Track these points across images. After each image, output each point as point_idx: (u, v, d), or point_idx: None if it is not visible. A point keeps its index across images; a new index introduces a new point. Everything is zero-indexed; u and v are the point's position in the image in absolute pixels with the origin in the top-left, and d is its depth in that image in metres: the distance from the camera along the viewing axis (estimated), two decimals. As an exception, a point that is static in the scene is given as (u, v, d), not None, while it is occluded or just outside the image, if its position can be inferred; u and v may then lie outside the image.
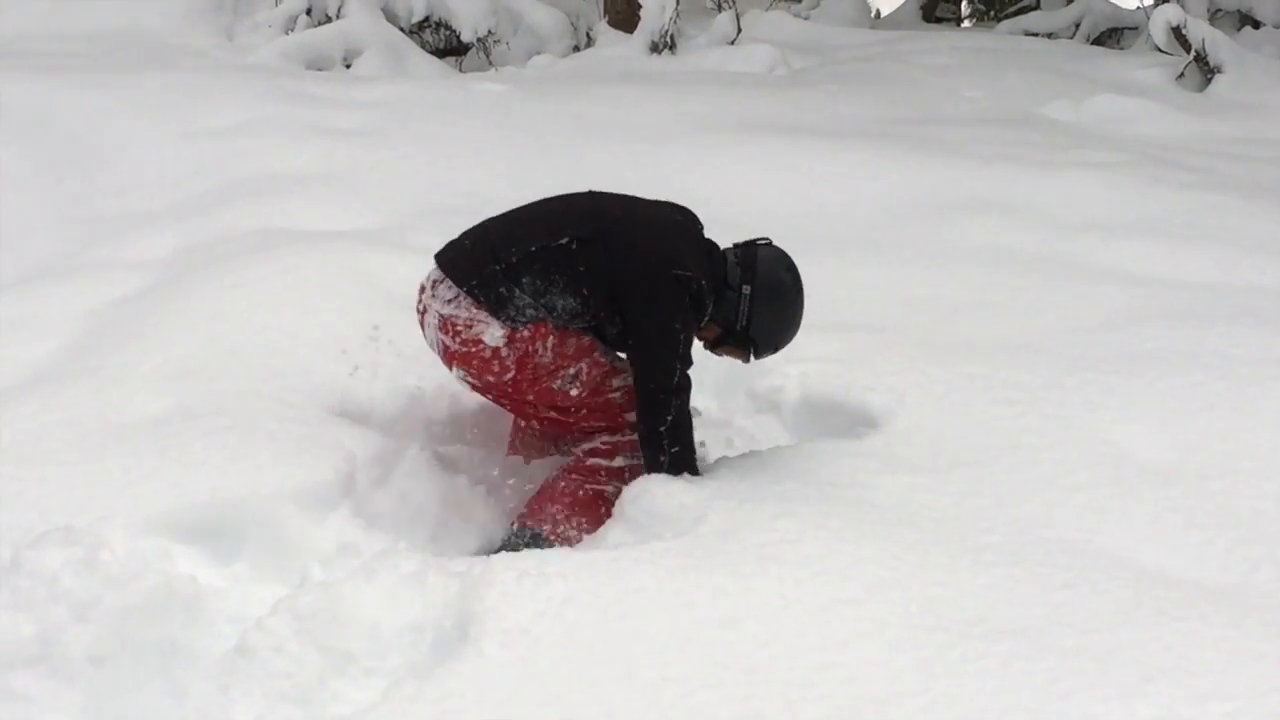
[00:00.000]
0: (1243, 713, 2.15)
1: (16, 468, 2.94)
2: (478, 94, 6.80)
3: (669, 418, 2.90)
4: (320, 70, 7.50)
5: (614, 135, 4.59)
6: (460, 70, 7.96)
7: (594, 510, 3.02)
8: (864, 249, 4.53)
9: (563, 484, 3.07)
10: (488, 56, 8.28)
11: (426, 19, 8.06)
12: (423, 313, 3.06)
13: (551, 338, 2.93)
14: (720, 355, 3.21)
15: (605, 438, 3.10)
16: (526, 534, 2.99)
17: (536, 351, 2.92)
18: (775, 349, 3.12)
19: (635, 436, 3.01)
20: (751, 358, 3.15)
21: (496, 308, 2.90)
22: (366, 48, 7.64)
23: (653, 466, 2.93)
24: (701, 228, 3.14)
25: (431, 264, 3.06)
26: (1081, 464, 3.02)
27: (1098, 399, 3.32)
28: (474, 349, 2.93)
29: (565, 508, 3.01)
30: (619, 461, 3.08)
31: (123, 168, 5.48)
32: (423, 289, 3.06)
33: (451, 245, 3.08)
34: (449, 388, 3.35)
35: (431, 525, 3.02)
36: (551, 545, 2.92)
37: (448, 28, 8.12)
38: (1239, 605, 2.48)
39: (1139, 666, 2.26)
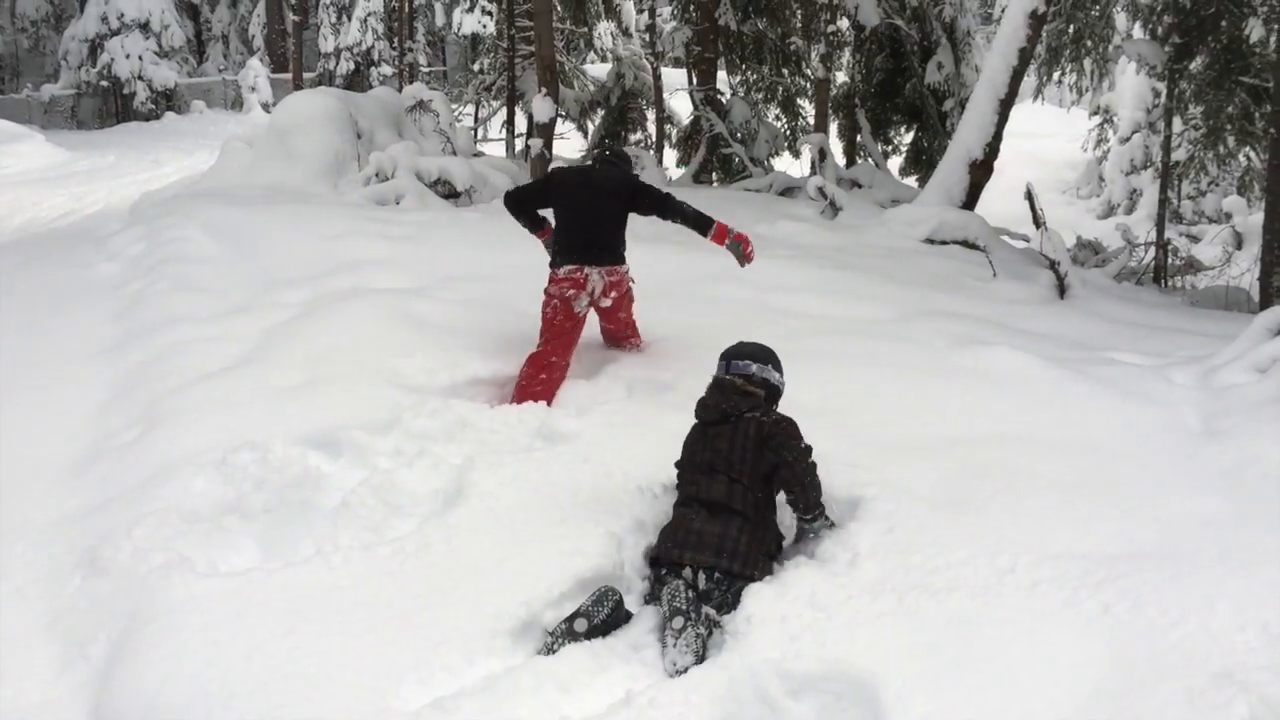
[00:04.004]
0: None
1: (223, 411, 5.17)
2: (465, 218, 11.09)
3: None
4: (382, 205, 11.99)
5: (531, 238, 6.64)
6: (456, 206, 12.61)
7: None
8: (673, 301, 7.05)
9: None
10: (470, 199, 12.89)
11: (438, 179, 12.87)
12: (585, 279, 5.73)
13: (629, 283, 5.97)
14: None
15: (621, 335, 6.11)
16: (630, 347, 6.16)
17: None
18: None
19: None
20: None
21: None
22: (407, 194, 12.25)
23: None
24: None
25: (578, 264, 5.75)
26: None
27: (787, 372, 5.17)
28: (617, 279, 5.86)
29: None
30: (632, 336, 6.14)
31: (279, 255, 8.71)
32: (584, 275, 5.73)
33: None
34: (452, 373, 5.73)
35: (442, 439, 4.96)
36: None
37: (449, 183, 12.91)
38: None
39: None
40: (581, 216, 5.93)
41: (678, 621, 3.41)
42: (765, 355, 4.42)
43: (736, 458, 4.02)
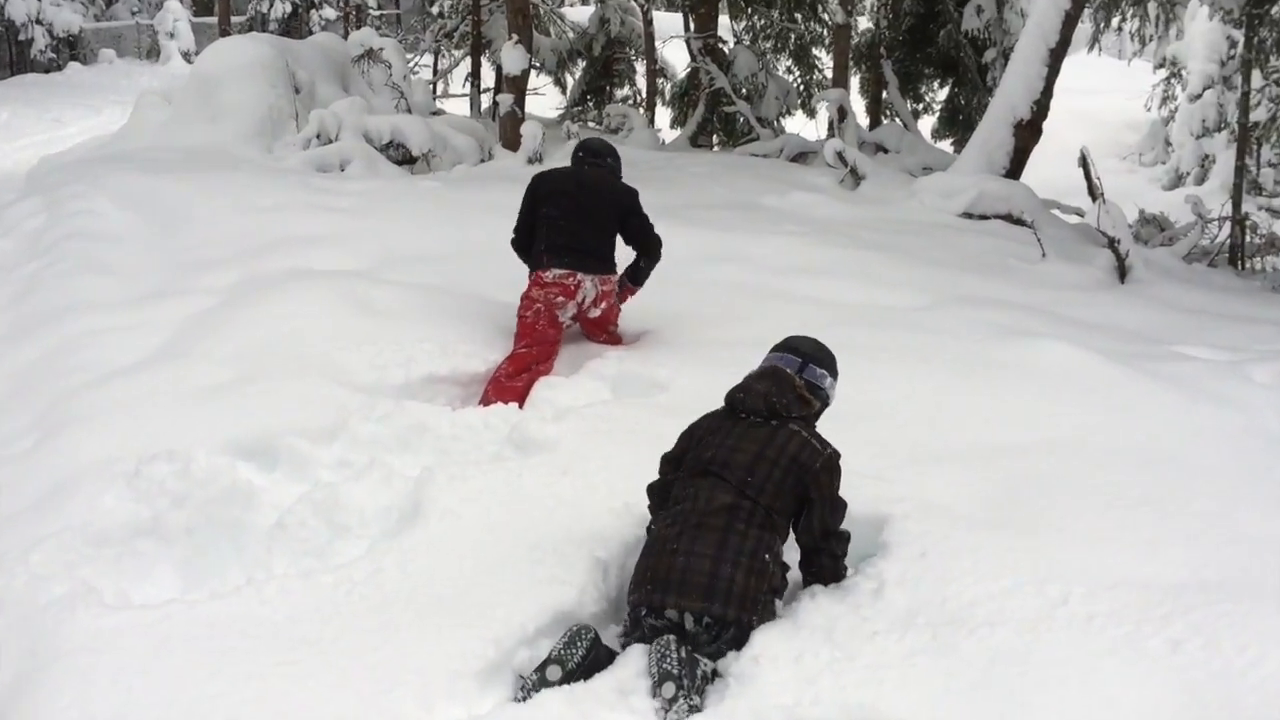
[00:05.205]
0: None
1: (136, 414, 5.15)
2: (421, 188, 11.10)
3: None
4: (325, 172, 11.87)
5: (500, 211, 6.74)
6: (411, 173, 12.61)
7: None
8: (667, 286, 6.78)
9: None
10: (428, 165, 13.00)
11: (390, 141, 12.84)
12: (576, 286, 5.96)
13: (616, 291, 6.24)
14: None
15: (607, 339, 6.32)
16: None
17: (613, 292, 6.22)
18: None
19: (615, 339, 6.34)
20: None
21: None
22: (354, 159, 12.20)
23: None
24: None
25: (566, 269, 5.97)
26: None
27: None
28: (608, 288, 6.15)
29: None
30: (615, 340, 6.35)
31: (203, 230, 8.70)
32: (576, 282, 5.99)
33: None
34: (407, 370, 5.70)
35: (395, 447, 5.00)
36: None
37: (403, 147, 12.88)
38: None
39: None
40: (572, 219, 6.13)
41: (668, 689, 3.35)
42: (835, 370, 4.20)
43: (761, 472, 3.80)
